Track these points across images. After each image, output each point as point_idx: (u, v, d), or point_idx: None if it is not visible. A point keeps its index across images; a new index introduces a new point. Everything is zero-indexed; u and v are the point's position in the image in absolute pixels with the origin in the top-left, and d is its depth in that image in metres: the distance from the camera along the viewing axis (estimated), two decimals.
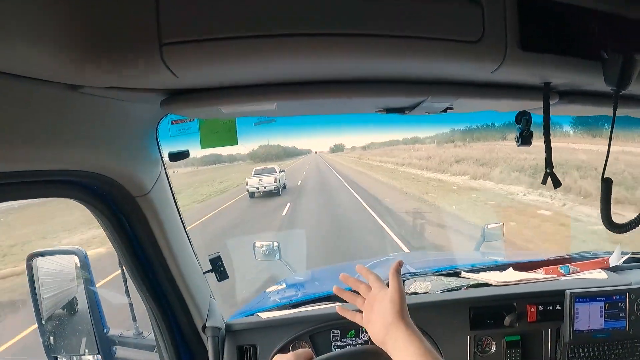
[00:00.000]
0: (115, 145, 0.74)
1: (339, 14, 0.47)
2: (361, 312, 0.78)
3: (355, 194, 12.65)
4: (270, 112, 0.76)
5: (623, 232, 0.73)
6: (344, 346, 1.12)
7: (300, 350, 0.69)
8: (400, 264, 0.75)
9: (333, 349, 0.99)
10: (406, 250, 6.28)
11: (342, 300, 0.83)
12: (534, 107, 0.86)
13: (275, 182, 12.85)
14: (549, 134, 0.74)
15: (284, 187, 13.65)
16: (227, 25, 0.46)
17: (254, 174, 13.32)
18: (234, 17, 0.45)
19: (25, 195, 0.72)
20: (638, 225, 0.72)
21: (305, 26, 0.47)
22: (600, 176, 0.72)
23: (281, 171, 14.27)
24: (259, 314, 1.18)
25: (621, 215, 0.77)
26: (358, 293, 0.80)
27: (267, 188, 12.74)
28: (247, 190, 13.00)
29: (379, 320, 0.71)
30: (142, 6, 0.44)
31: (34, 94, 0.53)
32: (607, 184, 0.70)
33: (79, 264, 1.30)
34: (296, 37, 0.47)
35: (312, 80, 0.65)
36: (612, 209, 0.72)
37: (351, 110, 0.83)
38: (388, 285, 0.74)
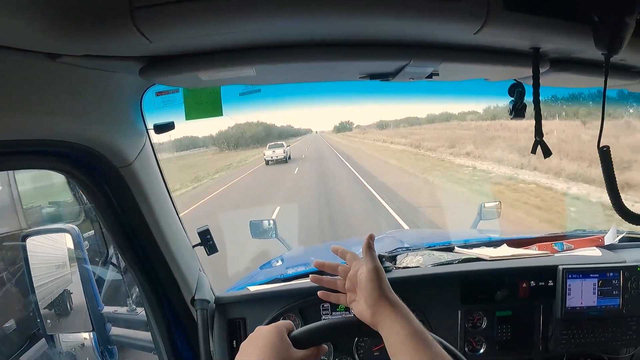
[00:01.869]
0: (97, 115, 0.74)
1: None
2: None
3: None
4: (250, 79, 0.75)
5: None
6: None
7: (281, 321, 0.67)
8: (371, 238, 0.71)
9: None
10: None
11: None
12: (525, 74, 0.84)
13: (284, 153, 18.34)
14: (539, 102, 0.72)
15: (290, 157, 18.82)
16: None
17: (269, 148, 18.95)
18: None
19: (6, 167, 0.72)
20: None
21: None
22: (597, 145, 0.68)
23: (287, 146, 20.05)
24: (249, 287, 1.18)
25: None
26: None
27: (279, 157, 18.10)
28: (265, 159, 18.23)
29: (362, 302, 0.68)
30: None
31: (11, 63, 0.53)
32: (604, 154, 0.67)
33: (72, 242, 1.31)
34: None
35: (291, 43, 0.64)
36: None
37: (334, 77, 0.82)
38: None
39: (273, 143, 20.34)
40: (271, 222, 1.85)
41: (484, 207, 1.94)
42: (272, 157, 18.08)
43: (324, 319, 1.13)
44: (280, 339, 0.63)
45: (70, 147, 0.73)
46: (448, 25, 0.55)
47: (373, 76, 0.79)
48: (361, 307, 0.68)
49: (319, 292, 0.76)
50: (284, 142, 20.85)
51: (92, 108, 0.72)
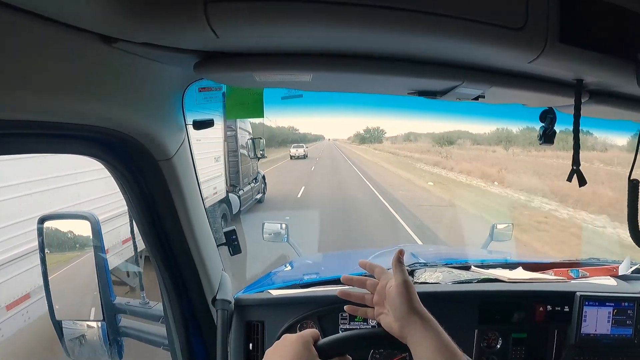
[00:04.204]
0: (143, 106, 0.73)
1: None
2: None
3: None
4: (302, 84, 0.76)
5: None
6: (352, 329, 1.12)
7: (307, 330, 0.67)
8: (401, 253, 0.72)
9: (340, 332, 0.99)
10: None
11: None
12: (564, 103, 0.85)
13: (304, 152, 25.04)
14: (579, 131, 0.73)
15: (307, 155, 24.99)
16: None
17: (293, 147, 25.17)
18: None
19: (44, 149, 0.71)
20: None
21: None
22: (628, 177, 0.71)
23: (306, 147, 27.97)
24: (270, 291, 1.18)
25: None
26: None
27: (300, 154, 24.30)
28: (290, 154, 24.21)
29: (390, 315, 0.68)
30: None
31: (66, 41, 0.52)
32: (633, 186, 0.69)
33: (90, 229, 1.30)
34: (340, 5, 0.47)
35: (347, 53, 0.64)
36: None
37: (384, 91, 0.82)
38: None
39: (296, 144, 27.53)
40: (284, 225, 1.83)
41: (496, 228, 1.93)
42: (295, 154, 24.69)
43: (342, 328, 1.15)
44: (307, 348, 0.63)
45: (113, 136, 0.72)
46: (507, 52, 0.56)
47: (421, 93, 0.79)
48: (389, 320, 0.69)
49: (346, 307, 0.78)
50: (303, 145, 28.50)
51: (139, 98, 0.72)
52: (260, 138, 7.79)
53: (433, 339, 0.62)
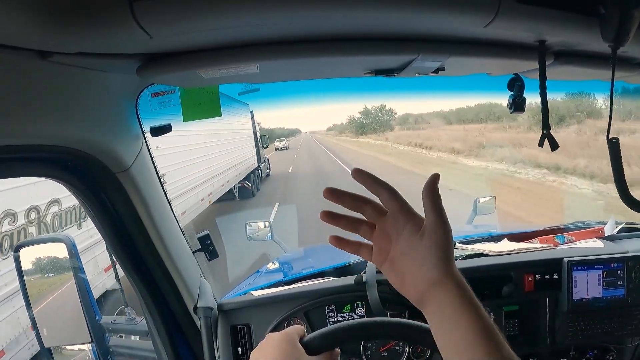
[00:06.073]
0: (92, 118, 0.70)
1: None
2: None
3: None
4: (252, 76, 0.73)
5: None
6: (340, 321, 1.10)
7: (292, 327, 0.65)
8: (436, 178, 0.49)
9: (328, 324, 0.97)
10: None
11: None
12: (529, 68, 0.83)
13: (285, 144, 29.69)
14: (546, 95, 0.71)
15: (288, 147, 29.61)
16: None
17: (277, 141, 29.64)
18: None
19: None
20: None
21: None
22: (607, 137, 0.68)
23: (287, 140, 33.53)
24: (252, 292, 1.16)
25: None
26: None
27: (283, 146, 29.11)
28: (275, 147, 27.48)
29: (415, 273, 0.48)
30: None
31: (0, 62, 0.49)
32: (613, 145, 0.67)
33: (67, 252, 1.27)
34: None
35: (295, 39, 0.62)
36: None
37: (338, 74, 0.80)
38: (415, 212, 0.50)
39: (279, 139, 33.92)
40: (267, 223, 1.80)
41: (479, 202, 1.91)
42: (279, 146, 30.06)
43: (330, 321, 1.13)
44: (293, 345, 0.60)
45: (64, 153, 0.70)
46: (459, 18, 0.54)
47: (378, 72, 0.77)
48: (411, 284, 0.49)
49: (330, 237, 0.52)
50: (285, 138, 34.75)
51: (87, 111, 0.69)
52: (265, 135, 12.81)
53: (471, 318, 0.45)
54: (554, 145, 0.71)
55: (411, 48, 0.66)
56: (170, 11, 0.45)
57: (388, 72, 0.77)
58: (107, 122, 0.75)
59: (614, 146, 0.67)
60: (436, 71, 0.79)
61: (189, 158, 5.61)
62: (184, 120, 0.88)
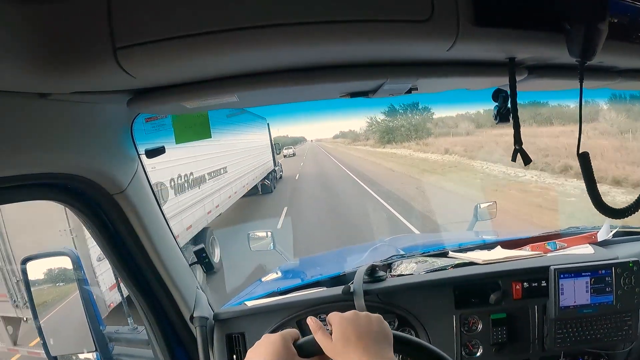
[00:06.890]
0: (89, 146, 0.77)
1: (288, 4, 0.48)
2: None
3: None
4: (233, 104, 0.78)
5: (621, 218, 0.70)
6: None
7: (288, 330, 0.68)
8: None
9: None
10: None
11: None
12: (505, 82, 0.85)
13: (293, 151, 29.66)
14: (517, 111, 0.73)
15: (295, 153, 29.95)
16: (177, 24, 0.47)
17: (285, 149, 28.85)
18: (184, 16, 0.47)
19: (7, 200, 0.75)
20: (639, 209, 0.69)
21: (257, 18, 0.48)
22: (577, 152, 0.71)
23: (295, 148, 33.30)
24: (246, 302, 1.20)
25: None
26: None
27: (290, 153, 28.87)
28: (284, 154, 27.34)
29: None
30: (95, 13, 0.47)
31: (3, 104, 0.56)
32: (584, 159, 0.69)
33: (71, 265, 1.33)
34: (249, 30, 0.48)
35: (271, 70, 0.66)
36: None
37: (316, 97, 0.84)
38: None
39: (287, 146, 33.32)
40: (269, 233, 1.84)
41: (480, 208, 1.92)
42: (287, 153, 30.26)
43: None
44: (286, 347, 0.64)
45: (67, 179, 0.76)
46: (420, 44, 0.56)
47: (353, 94, 0.81)
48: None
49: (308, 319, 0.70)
50: (292, 146, 34.14)
51: (84, 140, 0.75)
52: (278, 143, 15.45)
53: None
54: (527, 160, 0.74)
55: (380, 73, 0.69)
56: (150, 56, 0.50)
57: (362, 93, 0.81)
58: (103, 148, 0.81)
59: (584, 159, 0.70)
60: (409, 91, 0.83)
61: (227, 161, 7.24)
62: (176, 143, 0.93)
